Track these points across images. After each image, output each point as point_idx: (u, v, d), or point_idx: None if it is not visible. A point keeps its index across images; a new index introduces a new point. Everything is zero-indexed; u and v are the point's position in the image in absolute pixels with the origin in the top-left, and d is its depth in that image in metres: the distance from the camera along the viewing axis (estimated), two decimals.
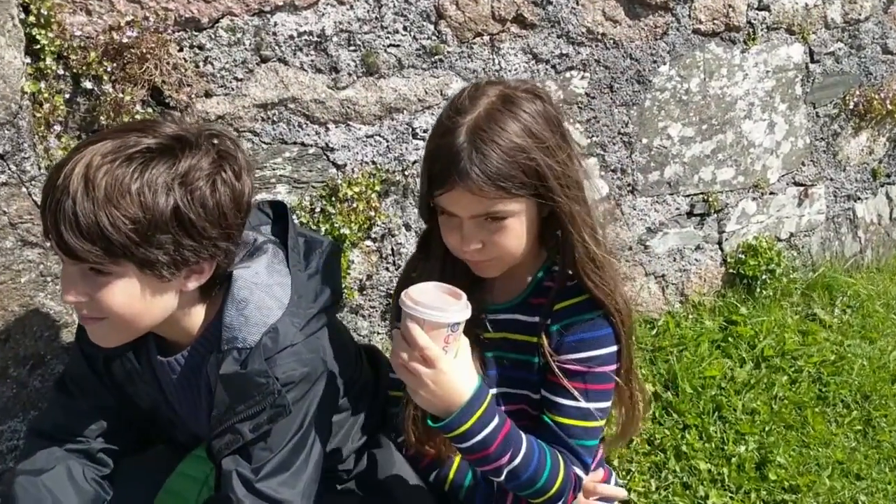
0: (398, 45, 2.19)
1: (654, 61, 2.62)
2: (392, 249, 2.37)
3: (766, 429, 2.51)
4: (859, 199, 3.39)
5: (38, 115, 1.79)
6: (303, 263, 1.57)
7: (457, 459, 1.65)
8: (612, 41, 2.51)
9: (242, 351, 1.42)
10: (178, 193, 1.29)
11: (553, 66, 2.44)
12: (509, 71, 2.37)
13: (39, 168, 1.79)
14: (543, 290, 1.60)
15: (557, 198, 1.43)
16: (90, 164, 1.26)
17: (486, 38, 2.31)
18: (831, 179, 3.26)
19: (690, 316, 3.02)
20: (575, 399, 1.53)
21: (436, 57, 2.25)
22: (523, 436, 1.46)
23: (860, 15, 3.04)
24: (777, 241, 3.19)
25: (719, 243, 3.07)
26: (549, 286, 1.60)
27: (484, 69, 2.33)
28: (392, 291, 2.41)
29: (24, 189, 1.77)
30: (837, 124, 3.18)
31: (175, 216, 1.29)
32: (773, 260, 3.09)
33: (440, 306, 1.31)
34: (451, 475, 1.65)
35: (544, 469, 1.47)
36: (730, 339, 2.92)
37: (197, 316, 1.50)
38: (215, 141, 1.38)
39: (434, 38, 2.23)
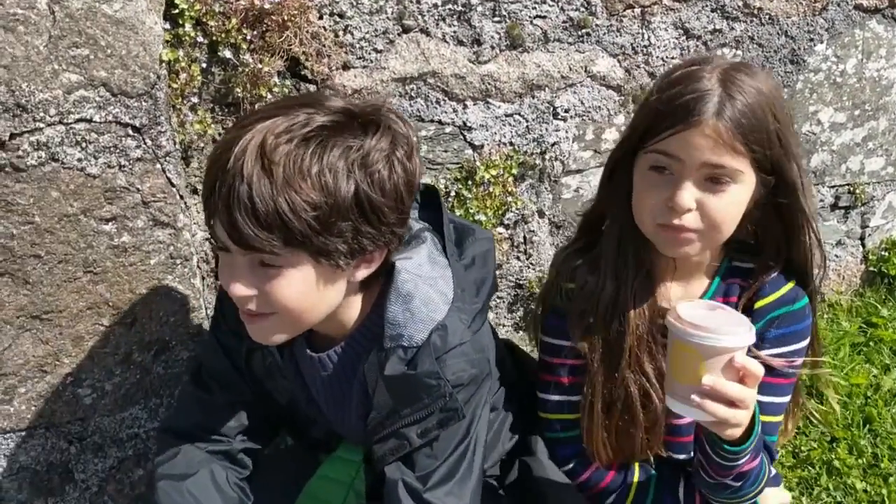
0: (545, 17, 2.01)
1: (811, 39, 2.38)
2: (524, 237, 2.21)
3: None
4: None
5: (175, 85, 1.67)
6: (457, 253, 1.43)
7: (633, 487, 1.52)
8: (767, 16, 2.29)
9: (408, 350, 1.29)
10: (359, 176, 1.17)
11: (705, 43, 2.23)
12: (658, 47, 2.17)
13: (175, 143, 1.67)
14: (726, 288, 1.49)
15: (788, 167, 1.32)
16: (265, 144, 1.13)
17: (637, 10, 2.11)
18: None
19: (826, 316, 2.79)
20: (773, 396, 1.46)
21: (583, 30, 2.07)
22: None
23: None
24: None
25: (861, 239, 2.83)
26: (732, 283, 1.49)
27: (632, 44, 2.14)
28: (521, 282, 2.25)
29: (158, 165, 1.65)
30: None
31: (356, 201, 1.17)
32: None
33: (729, 325, 1.21)
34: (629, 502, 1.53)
35: (761, 464, 1.39)
36: (871, 343, 2.69)
37: (354, 308, 1.37)
38: (386, 118, 1.24)
39: (583, 9, 2.05)
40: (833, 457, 2.22)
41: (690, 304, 1.28)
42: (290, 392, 1.51)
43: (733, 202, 1.31)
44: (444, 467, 1.33)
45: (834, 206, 2.69)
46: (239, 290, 1.20)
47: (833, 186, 2.66)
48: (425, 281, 1.34)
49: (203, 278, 1.86)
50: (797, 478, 2.18)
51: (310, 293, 1.23)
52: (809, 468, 2.21)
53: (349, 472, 1.52)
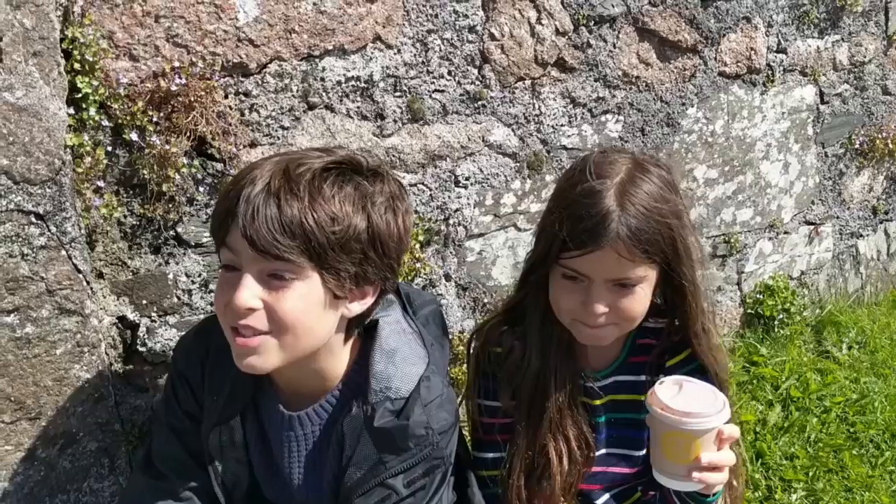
0: (443, 91, 2.10)
1: (683, 104, 2.59)
2: None
3: (810, 474, 2.46)
4: (861, 235, 3.43)
5: (80, 169, 1.63)
6: (413, 313, 1.53)
7: None
8: (644, 84, 2.47)
9: (396, 401, 1.35)
10: (371, 210, 1.27)
11: (590, 111, 2.38)
12: (548, 115, 2.30)
13: (80, 229, 1.63)
14: (638, 348, 1.59)
15: (684, 266, 1.42)
16: (288, 170, 1.23)
17: (528, 82, 2.24)
18: (837, 217, 3.29)
19: None
20: None
21: (479, 102, 2.17)
22: None
23: (864, 57, 3.08)
24: (790, 279, 3.19)
25: (738, 284, 3.04)
26: (644, 344, 1.59)
27: (524, 114, 2.26)
28: None
29: (63, 252, 1.60)
30: (843, 163, 3.21)
31: (368, 228, 1.26)
32: (788, 299, 3.08)
33: (713, 404, 1.33)
34: None
35: None
36: (754, 381, 2.88)
37: (341, 360, 1.41)
38: (387, 172, 1.36)
39: (478, 82, 2.15)
40: None
41: (663, 387, 1.35)
42: (236, 475, 1.48)
43: (641, 298, 1.41)
44: None
45: (713, 255, 2.89)
46: (245, 298, 1.20)
47: (710, 237, 2.86)
48: (404, 336, 1.42)
49: (111, 364, 1.79)
50: None
51: (310, 312, 1.25)
52: None
53: None
